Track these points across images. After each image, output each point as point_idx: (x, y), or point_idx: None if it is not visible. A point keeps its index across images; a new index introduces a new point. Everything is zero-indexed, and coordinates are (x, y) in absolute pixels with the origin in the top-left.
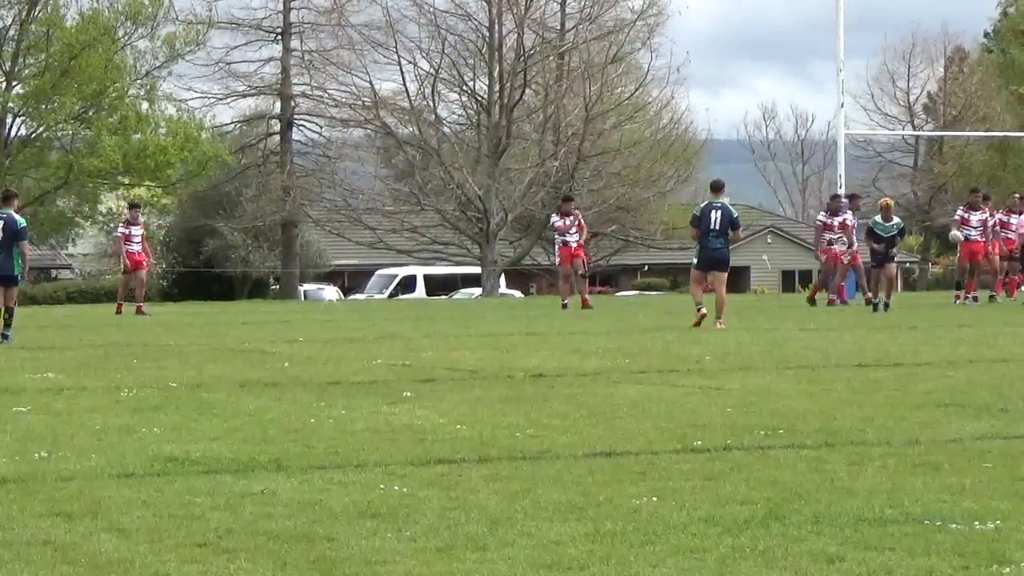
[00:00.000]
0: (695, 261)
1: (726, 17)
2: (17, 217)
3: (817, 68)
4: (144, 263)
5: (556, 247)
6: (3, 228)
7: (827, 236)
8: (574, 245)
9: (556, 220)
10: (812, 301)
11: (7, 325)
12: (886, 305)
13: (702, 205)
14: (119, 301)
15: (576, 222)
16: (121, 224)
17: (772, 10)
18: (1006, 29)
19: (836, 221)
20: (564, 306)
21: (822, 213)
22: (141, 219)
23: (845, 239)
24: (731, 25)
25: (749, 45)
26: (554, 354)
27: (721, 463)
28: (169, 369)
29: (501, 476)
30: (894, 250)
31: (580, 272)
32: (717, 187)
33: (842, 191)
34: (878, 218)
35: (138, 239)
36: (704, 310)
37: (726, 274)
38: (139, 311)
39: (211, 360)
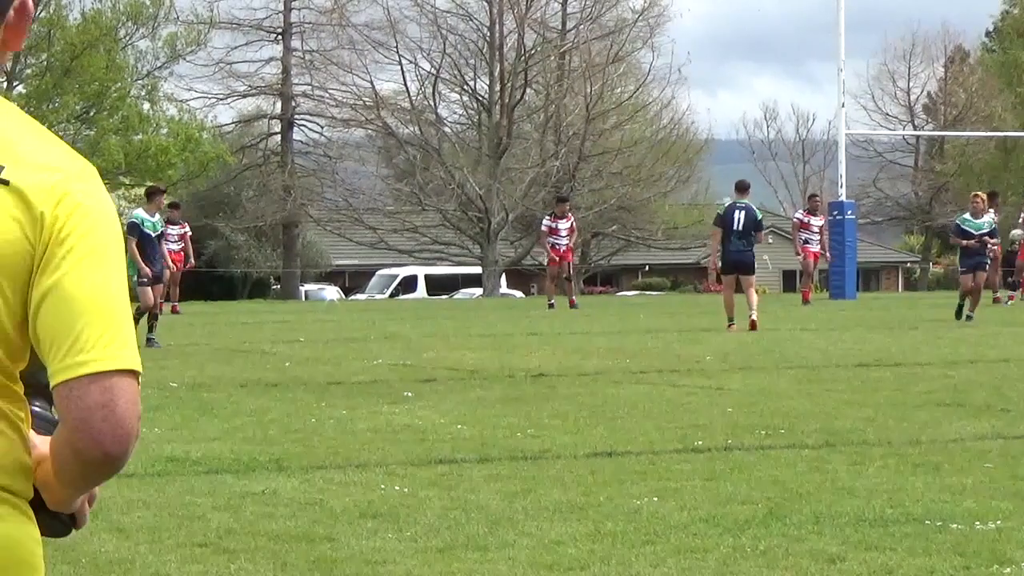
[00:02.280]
0: (720, 265)
1: (720, 18)
2: (132, 214)
3: (814, 68)
4: (180, 262)
5: (546, 247)
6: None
7: (803, 235)
8: (563, 247)
9: (547, 222)
10: (806, 301)
11: (149, 328)
12: (968, 316)
13: (726, 205)
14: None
15: (570, 224)
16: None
17: (767, 11)
18: (1008, 28)
19: (814, 221)
20: (550, 306)
21: (799, 211)
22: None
23: (820, 239)
24: (725, 26)
25: (744, 46)
26: (555, 354)
27: (722, 463)
28: (169, 369)
29: (501, 476)
30: (987, 256)
31: (565, 275)
32: (742, 187)
33: (843, 191)
34: (967, 215)
35: (175, 238)
36: (735, 327)
37: (753, 276)
38: (173, 310)
39: (211, 360)
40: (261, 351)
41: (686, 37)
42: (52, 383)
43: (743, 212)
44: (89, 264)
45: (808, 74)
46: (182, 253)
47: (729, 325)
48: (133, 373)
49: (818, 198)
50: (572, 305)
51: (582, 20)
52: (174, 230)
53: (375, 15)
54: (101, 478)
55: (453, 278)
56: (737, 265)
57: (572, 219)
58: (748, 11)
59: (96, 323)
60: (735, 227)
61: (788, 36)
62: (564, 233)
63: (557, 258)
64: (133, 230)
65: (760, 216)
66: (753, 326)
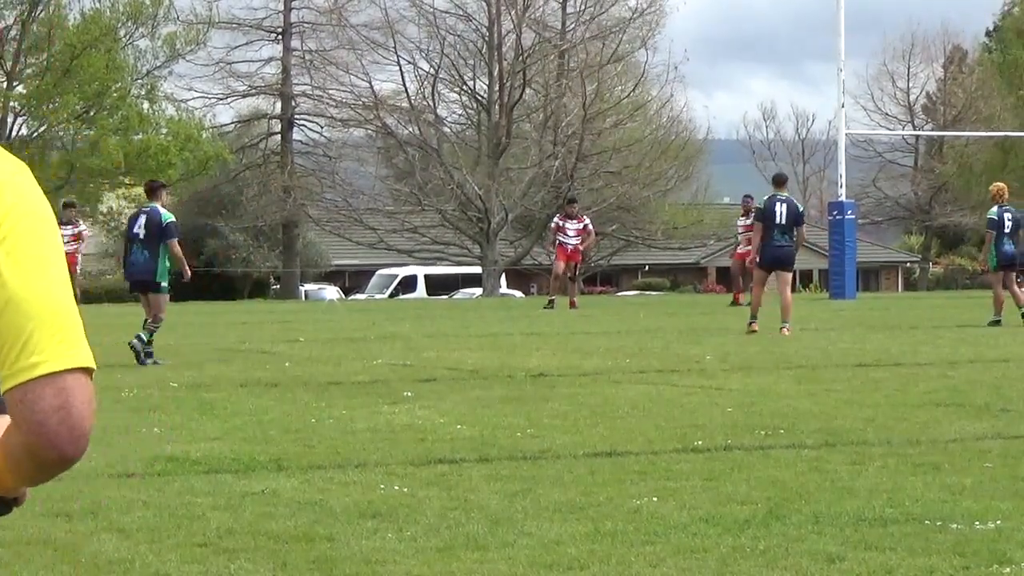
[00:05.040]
0: (758, 259)
1: (718, 18)
2: (163, 212)
3: (813, 68)
4: (73, 264)
5: (555, 245)
6: (146, 224)
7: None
8: (571, 247)
9: (556, 220)
10: (736, 302)
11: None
12: (997, 322)
13: (765, 199)
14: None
15: (581, 225)
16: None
17: (764, 11)
18: (1008, 28)
19: (741, 223)
20: (550, 303)
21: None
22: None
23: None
24: (723, 26)
25: (740, 46)
26: (554, 354)
27: (721, 463)
28: (169, 369)
29: (501, 476)
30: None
31: (569, 275)
32: (780, 180)
33: (842, 191)
34: (995, 209)
35: (68, 238)
36: (757, 326)
37: (791, 274)
38: None
39: (211, 360)
40: (261, 351)
41: (683, 37)
42: (4, 388)
43: (784, 205)
44: (32, 264)
45: (807, 74)
46: (75, 255)
47: (751, 322)
48: (87, 371)
49: (751, 199)
50: (572, 306)
51: (580, 20)
52: (67, 230)
53: (374, 15)
54: (55, 474)
55: (453, 278)
56: (777, 260)
57: (585, 221)
58: (746, 11)
59: (46, 324)
60: (778, 220)
61: (787, 36)
62: (572, 233)
63: (563, 257)
64: (176, 230)
65: (801, 209)
66: (781, 331)
